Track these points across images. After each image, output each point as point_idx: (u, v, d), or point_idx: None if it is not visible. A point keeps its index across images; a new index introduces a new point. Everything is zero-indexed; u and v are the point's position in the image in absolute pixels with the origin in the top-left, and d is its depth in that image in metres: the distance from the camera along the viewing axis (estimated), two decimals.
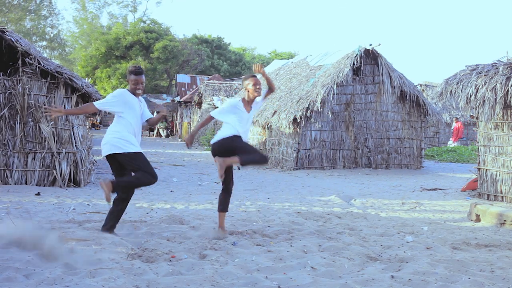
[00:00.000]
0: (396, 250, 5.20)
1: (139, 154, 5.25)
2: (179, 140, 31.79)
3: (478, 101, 8.65)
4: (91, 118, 23.84)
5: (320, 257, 4.74)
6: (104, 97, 6.02)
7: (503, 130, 8.93)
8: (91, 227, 5.83)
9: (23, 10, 44.08)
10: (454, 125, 23.21)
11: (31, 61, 9.87)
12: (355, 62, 15.02)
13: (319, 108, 14.37)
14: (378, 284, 4.01)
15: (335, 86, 14.63)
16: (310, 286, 3.95)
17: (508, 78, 8.28)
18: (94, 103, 5.39)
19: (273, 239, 5.63)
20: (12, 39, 9.82)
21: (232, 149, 5.55)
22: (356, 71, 15.43)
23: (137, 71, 5.32)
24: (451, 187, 11.23)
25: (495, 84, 8.39)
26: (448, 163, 18.79)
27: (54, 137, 10.01)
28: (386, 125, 15.89)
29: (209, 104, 26.88)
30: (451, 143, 23.54)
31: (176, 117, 36.99)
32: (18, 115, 9.87)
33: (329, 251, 5.11)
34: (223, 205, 5.77)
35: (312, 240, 5.52)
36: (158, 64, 38.82)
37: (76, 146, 10.20)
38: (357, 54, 15.10)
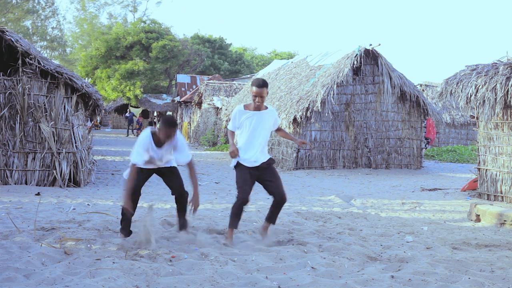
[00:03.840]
0: (396, 250, 5.20)
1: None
2: None
3: (478, 101, 8.64)
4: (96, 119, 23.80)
5: (320, 257, 4.74)
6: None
7: (503, 130, 8.93)
8: (91, 227, 5.83)
9: (23, 11, 44.08)
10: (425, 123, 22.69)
11: (31, 61, 9.87)
12: (355, 62, 15.02)
13: (319, 108, 14.37)
14: (378, 284, 4.01)
15: (335, 86, 14.62)
16: (310, 286, 3.95)
17: (508, 78, 8.27)
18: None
19: (273, 239, 5.62)
20: (12, 39, 9.82)
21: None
22: (356, 71, 15.43)
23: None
24: (451, 187, 11.22)
25: (495, 84, 8.38)
26: (448, 163, 18.79)
27: (54, 137, 10.01)
28: (386, 125, 15.89)
29: (209, 104, 26.89)
30: (427, 145, 22.95)
31: (176, 117, 37.00)
32: (18, 115, 9.87)
33: (329, 251, 5.10)
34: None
35: (312, 240, 5.52)
36: (158, 63, 38.78)
37: (76, 146, 10.20)
38: (357, 54, 15.09)
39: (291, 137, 5.84)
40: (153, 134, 5.22)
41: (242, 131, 5.39)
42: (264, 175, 5.35)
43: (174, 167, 5.44)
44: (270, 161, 5.41)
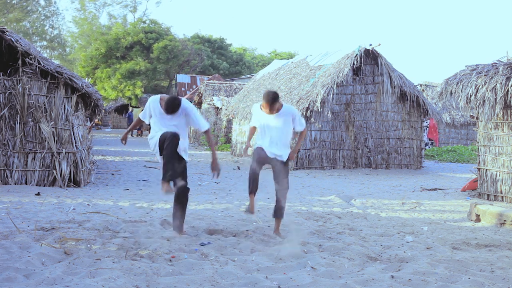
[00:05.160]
0: (396, 250, 5.20)
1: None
2: None
3: (478, 101, 8.65)
4: (97, 119, 23.77)
5: (320, 257, 4.74)
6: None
7: (503, 130, 8.93)
8: (91, 227, 5.83)
9: (23, 11, 44.07)
10: (428, 122, 22.69)
11: (31, 61, 9.87)
12: (355, 62, 15.02)
13: (319, 108, 14.37)
14: (378, 284, 4.01)
15: (335, 86, 14.62)
16: (310, 286, 3.95)
17: (508, 78, 8.28)
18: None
19: (273, 239, 5.63)
20: (12, 39, 9.82)
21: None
22: (356, 71, 15.43)
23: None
24: (451, 187, 11.23)
25: (495, 84, 8.39)
26: (448, 163, 18.79)
27: (54, 137, 10.01)
28: (386, 125, 15.89)
29: (209, 104, 26.88)
30: (429, 143, 22.91)
31: None
32: (18, 115, 9.86)
33: (329, 251, 5.11)
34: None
35: (312, 240, 5.52)
36: (158, 64, 38.76)
37: (76, 146, 10.20)
38: (357, 54, 15.09)
39: (298, 143, 6.24)
40: (161, 99, 5.48)
41: (258, 127, 5.81)
42: (273, 163, 5.75)
43: (185, 161, 5.57)
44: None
